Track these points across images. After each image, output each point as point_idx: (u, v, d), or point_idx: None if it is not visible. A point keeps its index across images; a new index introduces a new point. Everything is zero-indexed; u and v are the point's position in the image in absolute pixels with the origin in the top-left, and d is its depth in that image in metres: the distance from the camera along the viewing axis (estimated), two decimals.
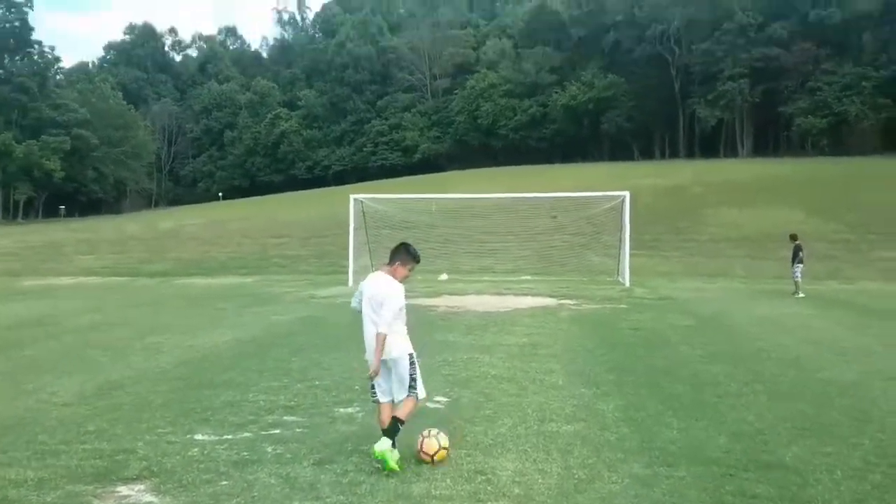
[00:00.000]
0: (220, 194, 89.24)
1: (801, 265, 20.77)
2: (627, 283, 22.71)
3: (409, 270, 5.81)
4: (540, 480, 5.16)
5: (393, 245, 6.02)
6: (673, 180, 50.26)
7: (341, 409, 7.32)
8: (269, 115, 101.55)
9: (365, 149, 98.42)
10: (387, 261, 5.96)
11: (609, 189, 28.64)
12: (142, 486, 5.17)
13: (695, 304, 17.48)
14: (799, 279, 20.63)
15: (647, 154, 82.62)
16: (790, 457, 5.62)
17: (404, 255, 5.79)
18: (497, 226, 31.77)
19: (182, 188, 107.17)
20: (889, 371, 9.18)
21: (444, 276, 25.62)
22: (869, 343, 11.63)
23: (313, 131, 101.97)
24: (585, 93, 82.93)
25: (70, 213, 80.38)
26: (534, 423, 6.66)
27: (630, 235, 24.19)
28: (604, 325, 13.74)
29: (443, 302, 18.02)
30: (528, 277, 25.91)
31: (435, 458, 5.39)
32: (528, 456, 5.72)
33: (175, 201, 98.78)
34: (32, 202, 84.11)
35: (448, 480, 5.16)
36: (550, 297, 19.14)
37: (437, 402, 7.58)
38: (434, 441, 5.45)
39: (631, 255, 24.24)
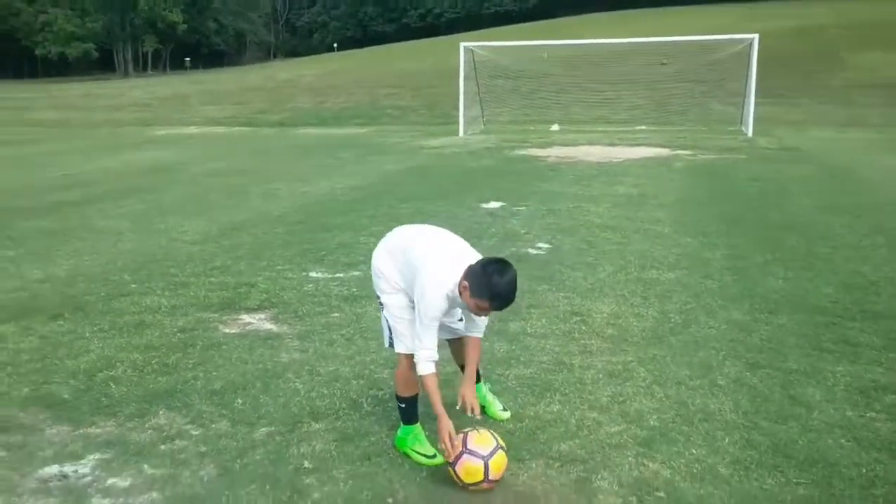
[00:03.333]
0: (335, 45, 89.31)
1: None
2: (750, 133, 21.54)
3: (479, 308, 3.12)
4: (635, 323, 5.25)
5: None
6: (809, 21, 46.08)
7: None
8: None
9: None
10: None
11: (737, 32, 26.58)
12: (262, 315, 5.62)
13: (821, 154, 16.46)
14: None
15: None
16: None
17: (485, 290, 3.04)
18: (612, 74, 30.39)
19: (298, 39, 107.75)
20: None
21: (555, 127, 25.10)
22: None
23: None
24: None
25: (195, 66, 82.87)
26: (634, 270, 6.68)
27: (756, 82, 22.67)
28: (719, 175, 13.24)
29: (553, 153, 17.76)
30: (644, 127, 24.99)
31: (490, 464, 3.03)
32: (626, 300, 5.79)
33: (292, 53, 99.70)
34: (160, 54, 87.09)
35: (543, 320, 5.33)
36: (665, 147, 18.48)
37: (539, 248, 7.70)
38: (487, 434, 3.17)
39: (756, 104, 22.83)
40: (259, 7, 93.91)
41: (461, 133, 23.64)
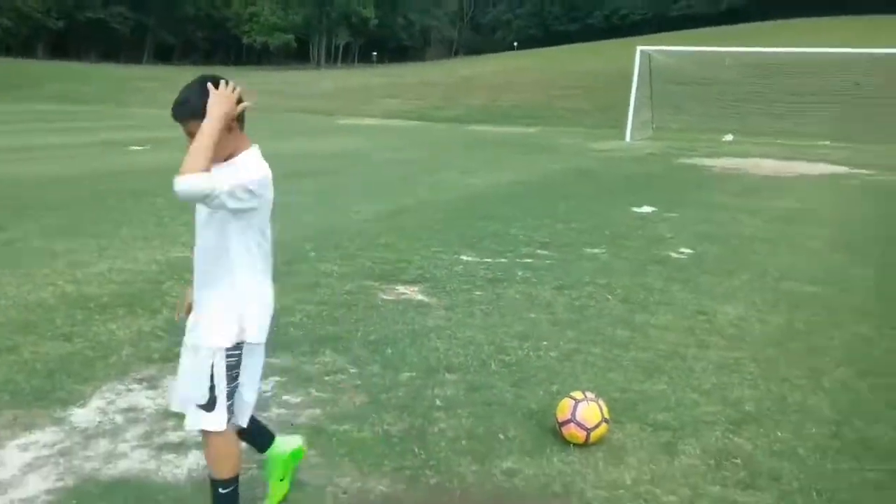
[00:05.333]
0: (515, 44, 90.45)
1: None
2: None
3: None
4: (758, 327, 5.51)
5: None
6: None
7: (588, 249, 8.01)
8: None
9: None
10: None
11: None
12: (416, 288, 6.39)
13: None
14: None
15: None
16: None
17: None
18: (800, 85, 29.07)
19: (481, 37, 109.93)
20: None
21: (728, 137, 24.52)
22: None
23: None
24: None
25: (381, 60, 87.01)
26: (772, 280, 6.85)
27: None
28: (894, 196, 12.68)
29: (721, 163, 17.55)
30: (827, 143, 23.83)
31: (591, 435, 3.48)
32: (755, 306, 6.03)
33: (473, 50, 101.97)
34: (350, 47, 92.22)
35: (669, 315, 5.72)
36: (845, 165, 17.69)
37: (681, 253, 7.98)
38: (595, 407, 3.53)
39: None
40: (446, 5, 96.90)
41: (628, 138, 23.69)
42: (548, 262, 7.44)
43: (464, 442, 3.54)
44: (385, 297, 6.08)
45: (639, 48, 25.18)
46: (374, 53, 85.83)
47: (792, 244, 8.47)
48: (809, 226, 9.63)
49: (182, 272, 6.25)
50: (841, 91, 28.66)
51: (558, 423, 3.56)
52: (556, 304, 5.97)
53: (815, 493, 3.16)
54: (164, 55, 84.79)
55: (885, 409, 4.09)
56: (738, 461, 3.42)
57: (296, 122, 29.42)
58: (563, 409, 3.56)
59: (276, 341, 4.84)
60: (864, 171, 16.33)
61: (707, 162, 17.59)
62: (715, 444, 3.60)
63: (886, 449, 3.60)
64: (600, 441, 3.53)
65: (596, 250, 7.99)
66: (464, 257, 7.51)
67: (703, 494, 3.15)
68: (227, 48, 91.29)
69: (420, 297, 6.13)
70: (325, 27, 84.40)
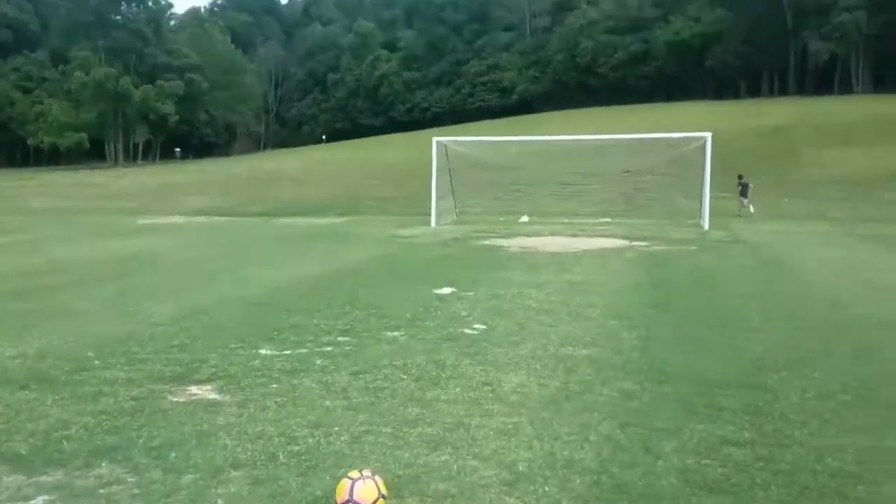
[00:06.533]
0: (324, 137, 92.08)
1: (744, 198, 28.24)
2: (706, 226, 22.67)
3: None
4: (537, 391, 5.93)
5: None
6: (776, 119, 48.45)
7: (388, 333, 8.22)
8: (370, 58, 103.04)
9: (463, 90, 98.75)
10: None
11: (707, 128, 28.01)
12: (209, 387, 6.25)
13: (766, 247, 17.48)
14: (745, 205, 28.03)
15: (754, 91, 79.11)
16: (774, 380, 6.15)
17: None
18: (584, 167, 31.92)
19: (288, 131, 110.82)
20: None
21: (524, 218, 26.23)
22: None
23: (412, 73, 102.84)
24: (690, 28, 79.96)
25: (185, 156, 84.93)
26: (553, 347, 7.40)
27: (719, 177, 23.97)
28: (663, 265, 14.14)
29: (515, 242, 18.71)
30: (608, 220, 26.16)
31: None
32: (536, 373, 6.49)
33: (281, 143, 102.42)
34: (150, 144, 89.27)
35: (457, 388, 6.01)
36: (624, 238, 19.50)
37: (475, 329, 8.41)
38: (372, 484, 3.69)
39: (719, 198, 24.10)
40: (250, 100, 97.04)
41: (433, 223, 24.68)
42: (347, 348, 7.55)
43: None
44: (175, 399, 5.90)
45: (434, 139, 26.60)
46: (178, 150, 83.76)
47: (572, 314, 9.19)
48: (588, 296, 10.50)
49: None
50: (616, 172, 31.78)
51: None
52: (351, 388, 6.07)
53: None
54: None
55: (641, 454, 4.55)
56: None
57: (90, 224, 27.86)
58: (341, 490, 3.65)
59: (48, 457, 4.58)
60: (639, 244, 18.08)
61: (503, 243, 18.69)
62: None
63: (638, 491, 4.00)
64: None
65: (395, 333, 8.22)
66: (262, 351, 7.45)
67: None
68: (12, 149, 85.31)
69: (213, 395, 6.01)
70: (121, 125, 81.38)
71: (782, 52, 77.20)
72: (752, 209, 27.80)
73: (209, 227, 26.37)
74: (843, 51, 72.48)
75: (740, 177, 28.89)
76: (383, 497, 3.65)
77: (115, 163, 79.22)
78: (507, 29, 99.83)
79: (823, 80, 75.70)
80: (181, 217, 31.87)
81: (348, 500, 3.59)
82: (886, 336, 7.95)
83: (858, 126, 42.91)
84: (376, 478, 3.70)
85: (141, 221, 29.23)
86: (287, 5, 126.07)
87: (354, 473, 3.72)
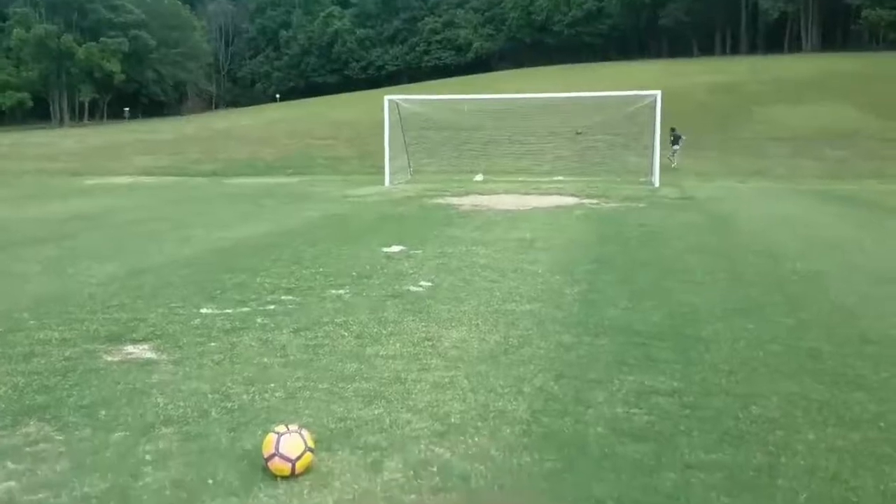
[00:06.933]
0: (277, 95, 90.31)
1: (676, 147, 29.59)
2: (656, 184, 22.95)
3: None
4: (476, 346, 5.98)
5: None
6: (728, 77, 48.94)
7: (332, 291, 8.18)
8: (323, 14, 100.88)
9: (418, 48, 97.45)
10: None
11: (659, 87, 28.16)
12: (145, 346, 6.17)
13: (713, 203, 17.77)
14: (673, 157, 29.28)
15: (707, 50, 79.70)
16: (708, 331, 6.29)
17: None
18: (539, 126, 31.86)
19: (240, 89, 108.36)
20: (863, 264, 9.62)
21: (479, 177, 26.20)
22: (866, 239, 11.94)
23: (366, 30, 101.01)
24: None
25: (134, 116, 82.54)
26: (496, 303, 7.45)
27: (662, 136, 24.19)
28: (611, 222, 14.29)
29: (468, 201, 18.72)
30: (561, 178, 26.29)
31: (297, 465, 3.61)
32: (477, 328, 6.53)
33: (234, 103, 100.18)
34: (97, 104, 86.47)
35: (398, 344, 6.03)
36: (574, 196, 19.64)
37: (420, 286, 8.42)
38: (298, 438, 3.64)
39: (669, 157, 24.35)
40: (199, 58, 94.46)
41: (387, 183, 24.53)
42: (290, 307, 7.50)
43: (168, 492, 3.51)
44: (110, 358, 5.80)
45: (386, 97, 26.30)
46: (127, 109, 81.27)
47: (518, 270, 9.25)
48: (535, 253, 10.57)
49: None
50: (571, 131, 31.87)
51: (264, 458, 3.64)
52: (290, 346, 6.05)
53: (496, 488, 3.51)
54: None
55: (572, 404, 4.63)
56: (434, 469, 3.71)
57: (32, 185, 27.08)
58: (268, 444, 3.64)
59: None
60: (589, 202, 18.23)
61: (455, 201, 18.68)
62: (417, 456, 3.87)
63: (565, 439, 4.08)
64: (307, 470, 3.65)
65: (340, 291, 8.19)
66: (203, 310, 7.36)
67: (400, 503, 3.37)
68: None
69: (148, 354, 5.93)
70: (66, 83, 78.66)
71: (734, 10, 77.78)
72: (674, 163, 28.76)
73: (156, 187, 25.82)
74: (793, 9, 73.23)
75: (672, 129, 29.37)
76: (310, 450, 3.66)
77: (61, 123, 76.70)
78: None
79: (774, 38, 76.57)
80: (128, 177, 31.15)
81: (274, 454, 3.58)
82: (816, 287, 8.19)
83: (806, 84, 43.60)
84: (303, 431, 3.70)
85: (85, 182, 28.48)
86: None
87: (281, 427, 3.71)
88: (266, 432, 4.09)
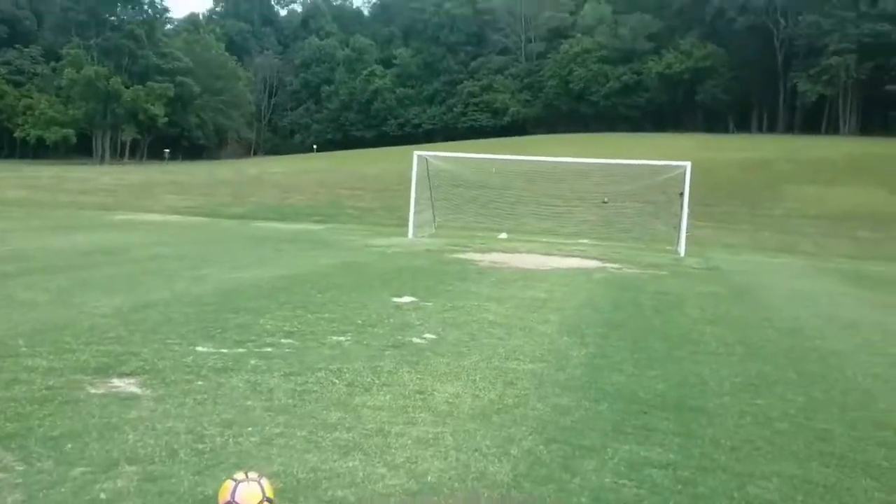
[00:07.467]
0: (315, 146, 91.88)
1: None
2: (682, 253, 22.60)
3: None
4: (469, 402, 5.74)
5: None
6: (762, 154, 48.76)
7: (333, 337, 8.02)
8: (365, 72, 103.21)
9: (455, 109, 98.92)
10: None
11: (692, 159, 28.03)
12: (131, 380, 6.02)
13: (736, 275, 17.40)
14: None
15: (743, 128, 79.72)
16: (714, 404, 5.99)
17: None
18: (567, 190, 31.87)
19: (280, 138, 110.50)
20: (884, 346, 9.22)
21: (503, 235, 26.10)
22: (889, 321, 11.53)
23: (406, 90, 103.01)
24: (682, 62, 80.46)
25: (173, 157, 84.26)
26: (497, 360, 7.21)
27: (698, 206, 23.95)
28: (630, 288, 13.99)
29: (489, 258, 18.54)
30: (586, 241, 26.05)
31: None
32: (474, 384, 6.29)
33: (272, 151, 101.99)
34: (139, 144, 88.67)
35: (388, 395, 5.81)
36: (596, 259, 19.38)
37: (424, 338, 8.22)
38: (256, 487, 3.45)
39: (698, 227, 24.07)
40: (242, 106, 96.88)
41: (410, 235, 24.51)
42: (287, 350, 7.33)
43: None
44: (93, 391, 5.66)
45: (416, 153, 26.51)
46: (167, 151, 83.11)
47: (525, 329, 9.01)
48: (547, 313, 10.33)
49: None
50: (597, 197, 31.79)
51: None
52: (278, 390, 5.86)
53: None
54: None
55: (559, 471, 4.36)
56: None
57: (64, 217, 27.48)
58: (224, 491, 3.44)
59: None
60: (611, 266, 17.96)
61: (476, 257, 18.52)
62: None
63: None
64: None
65: (341, 338, 8.02)
66: (199, 348, 7.22)
67: None
68: None
69: (133, 389, 5.78)
70: (110, 123, 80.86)
71: (772, 90, 77.97)
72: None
73: (183, 226, 26.05)
74: (832, 92, 73.17)
75: (681, 194, 28.67)
76: (268, 500, 3.43)
77: (102, 160, 78.54)
78: (502, 52, 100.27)
79: (812, 120, 76.39)
80: (158, 215, 31.51)
81: (229, 502, 3.37)
82: (833, 366, 7.82)
83: (840, 165, 43.24)
84: (262, 480, 3.48)
85: (115, 217, 28.86)
86: (286, 17, 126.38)
87: (240, 475, 3.50)
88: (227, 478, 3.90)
